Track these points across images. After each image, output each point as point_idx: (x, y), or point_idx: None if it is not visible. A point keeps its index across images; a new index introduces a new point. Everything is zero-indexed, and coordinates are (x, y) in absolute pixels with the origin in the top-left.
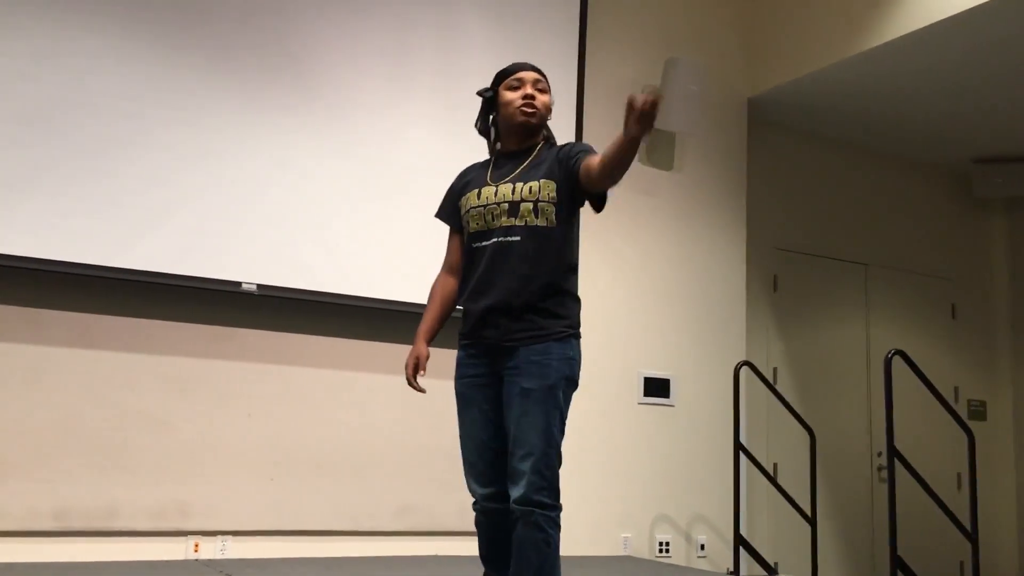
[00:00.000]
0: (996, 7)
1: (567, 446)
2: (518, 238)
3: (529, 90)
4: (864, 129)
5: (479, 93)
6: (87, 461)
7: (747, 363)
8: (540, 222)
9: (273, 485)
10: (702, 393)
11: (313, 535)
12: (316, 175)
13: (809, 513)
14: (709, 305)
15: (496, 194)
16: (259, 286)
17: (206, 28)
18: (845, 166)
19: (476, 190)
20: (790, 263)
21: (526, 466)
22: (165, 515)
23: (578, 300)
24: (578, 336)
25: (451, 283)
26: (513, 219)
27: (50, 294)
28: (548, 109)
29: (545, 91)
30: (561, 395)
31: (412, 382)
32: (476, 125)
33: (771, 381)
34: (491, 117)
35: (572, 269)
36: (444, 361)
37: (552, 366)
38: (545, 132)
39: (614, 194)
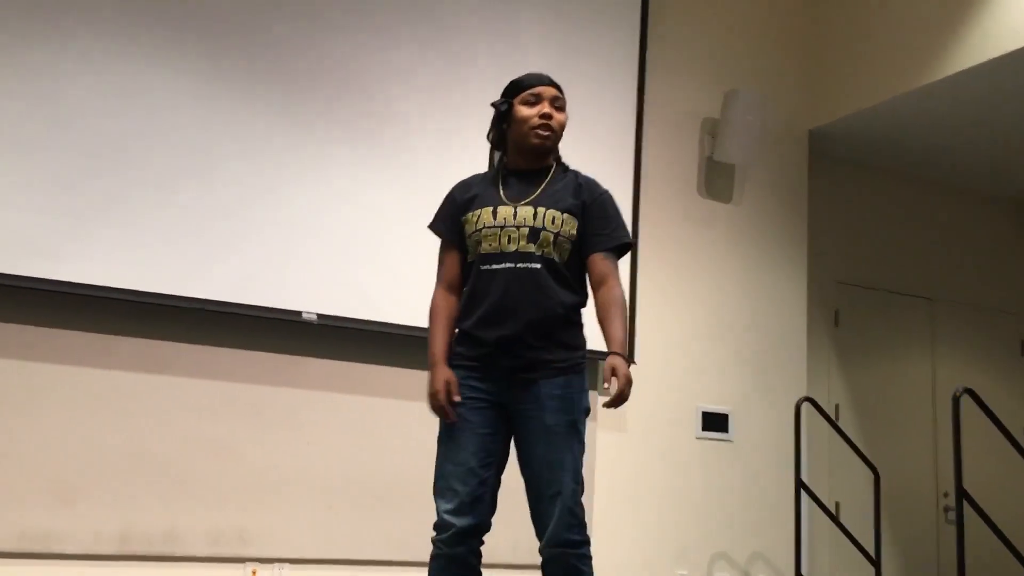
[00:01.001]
0: None
1: (623, 481)
2: (538, 266)
3: (547, 108)
4: (928, 161)
5: (493, 105)
6: (151, 485)
7: (808, 399)
8: (556, 256)
9: (331, 513)
10: (762, 428)
11: (370, 564)
12: (377, 206)
13: (873, 554)
14: (769, 339)
15: (515, 216)
16: (319, 316)
17: (270, 64)
18: (909, 199)
19: (489, 208)
20: (852, 297)
21: (557, 506)
22: (225, 541)
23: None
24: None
25: (452, 301)
26: (532, 245)
27: (120, 321)
28: (563, 128)
29: (562, 109)
30: (582, 427)
31: (447, 408)
32: (488, 137)
33: (833, 418)
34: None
35: (583, 300)
36: None
37: (574, 400)
38: (555, 153)
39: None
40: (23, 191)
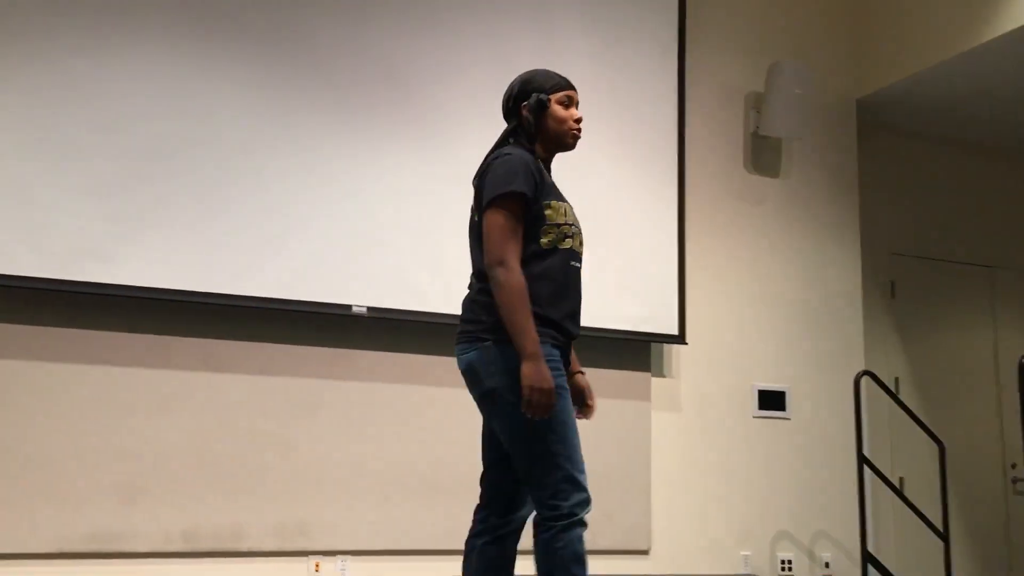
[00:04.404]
0: None
1: (680, 463)
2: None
3: (578, 113)
4: (983, 126)
5: (538, 99)
6: (214, 483)
7: (868, 373)
8: None
9: (390, 504)
10: (820, 405)
11: (430, 554)
12: (425, 200)
13: (941, 528)
14: (824, 314)
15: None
16: (369, 309)
17: (315, 64)
18: (965, 166)
19: (564, 205)
20: (908, 268)
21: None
22: (288, 535)
23: None
24: None
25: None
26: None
27: (175, 322)
28: None
29: None
30: None
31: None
32: (529, 127)
33: (894, 391)
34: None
35: None
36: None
37: None
38: None
39: None
40: (75, 197)
